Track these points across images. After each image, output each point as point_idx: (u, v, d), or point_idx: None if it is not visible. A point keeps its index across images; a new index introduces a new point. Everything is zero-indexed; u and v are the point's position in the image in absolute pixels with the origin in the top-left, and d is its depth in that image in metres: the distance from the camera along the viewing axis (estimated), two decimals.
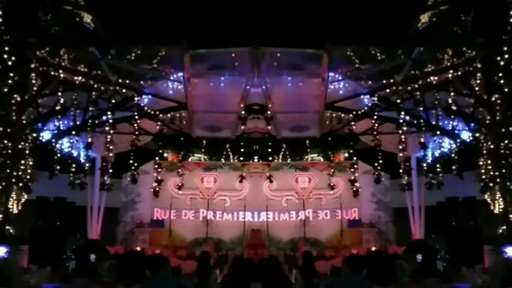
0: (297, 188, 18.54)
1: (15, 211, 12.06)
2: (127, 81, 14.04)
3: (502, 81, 11.74)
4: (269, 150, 16.12)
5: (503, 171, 11.68)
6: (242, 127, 15.38)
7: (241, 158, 17.79)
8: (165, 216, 18.05)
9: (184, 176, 17.81)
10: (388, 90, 14.28)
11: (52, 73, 13.09)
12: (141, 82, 14.30)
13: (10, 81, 11.56)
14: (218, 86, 14.50)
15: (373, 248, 15.70)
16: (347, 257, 6.80)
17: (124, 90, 14.18)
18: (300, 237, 17.60)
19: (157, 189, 16.57)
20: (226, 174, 18.66)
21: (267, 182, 17.85)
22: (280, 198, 18.37)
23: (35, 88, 12.80)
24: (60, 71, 13.15)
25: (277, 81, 14.39)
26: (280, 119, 15.99)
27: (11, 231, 11.80)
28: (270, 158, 17.64)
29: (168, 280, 6.79)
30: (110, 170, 15.17)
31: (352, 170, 16.79)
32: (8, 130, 11.57)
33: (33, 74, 12.71)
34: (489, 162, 12.16)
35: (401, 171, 14.94)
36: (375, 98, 14.33)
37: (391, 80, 13.99)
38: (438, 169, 14.35)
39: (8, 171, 11.64)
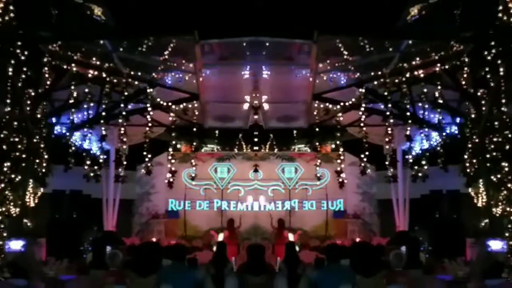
0: (283, 178, 18.53)
1: (32, 204, 12.20)
2: (139, 73, 14.07)
3: (488, 76, 11.60)
4: (256, 140, 16.06)
5: (488, 165, 11.55)
6: (255, 117, 15.37)
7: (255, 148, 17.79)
8: (180, 207, 18.20)
9: (198, 166, 17.86)
10: (375, 82, 14.20)
11: (65, 66, 13.16)
12: (153, 74, 14.34)
13: (23, 76, 11.64)
14: (229, 75, 14.48)
15: (358, 239, 15.75)
16: (326, 247, 6.77)
17: (136, 82, 14.23)
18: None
19: (171, 180, 16.62)
20: (239, 164, 18.69)
21: (253, 172, 17.90)
22: (266, 188, 18.39)
23: (48, 82, 12.89)
24: (73, 65, 13.21)
25: (265, 71, 14.35)
26: (268, 109, 15.93)
27: (28, 224, 11.95)
28: (256, 148, 17.56)
29: (184, 270, 6.82)
30: (125, 162, 15.27)
31: (339, 161, 16.71)
32: (23, 124, 11.66)
33: (46, 68, 12.80)
34: (473, 156, 12.09)
35: (387, 163, 14.89)
36: (363, 90, 14.27)
37: (379, 73, 13.91)
38: (424, 162, 14.31)
39: (23, 165, 11.76)
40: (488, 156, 11.46)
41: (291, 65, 14.25)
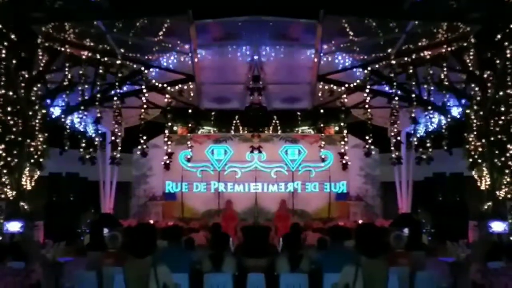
0: (286, 160, 18.54)
1: (29, 187, 12.19)
2: (134, 55, 13.94)
3: (495, 58, 11.58)
4: (258, 121, 15.99)
5: (492, 147, 11.58)
6: (251, 98, 15.27)
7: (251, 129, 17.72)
8: (177, 189, 18.22)
9: (194, 148, 17.84)
10: (381, 64, 14.11)
11: (59, 48, 13.04)
12: (148, 56, 14.21)
13: (17, 58, 11.53)
14: (225, 56, 14.34)
15: (360, 221, 15.78)
16: (329, 228, 6.78)
17: (131, 64, 14.11)
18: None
19: (167, 162, 16.60)
20: (236, 145, 18.67)
21: (256, 153, 17.91)
22: (269, 170, 18.42)
23: (42, 64, 12.78)
24: (66, 46, 13.09)
25: (269, 51, 14.13)
26: (272, 90, 15.76)
27: (25, 207, 11.95)
28: (260, 129, 17.50)
29: (180, 252, 6.83)
30: (120, 145, 15.20)
31: (342, 143, 16.65)
32: (18, 107, 11.60)
33: (40, 50, 12.67)
34: (478, 138, 12.07)
35: (391, 145, 14.83)
36: (368, 71, 14.17)
37: (385, 54, 13.81)
38: (428, 144, 14.21)
39: (19, 148, 11.72)
40: (492, 138, 11.47)
41: (294, 45, 14.03)
